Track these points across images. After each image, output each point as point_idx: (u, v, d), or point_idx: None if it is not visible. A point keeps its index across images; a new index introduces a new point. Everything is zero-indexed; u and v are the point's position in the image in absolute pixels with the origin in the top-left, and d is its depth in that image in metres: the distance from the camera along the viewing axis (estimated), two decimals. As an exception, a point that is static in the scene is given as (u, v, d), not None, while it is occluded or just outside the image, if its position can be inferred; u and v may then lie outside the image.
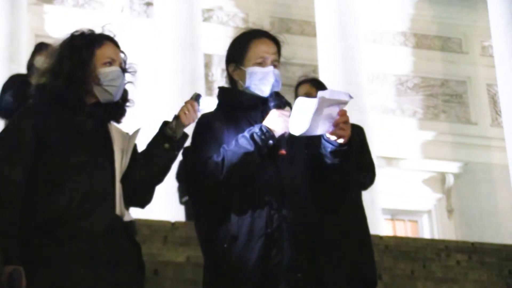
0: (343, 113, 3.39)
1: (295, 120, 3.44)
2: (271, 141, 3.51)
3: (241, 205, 3.48)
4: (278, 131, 3.53)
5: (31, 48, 7.62)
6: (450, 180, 17.85)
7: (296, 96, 6.07)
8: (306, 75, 7.37)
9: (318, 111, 3.34)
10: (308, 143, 3.58)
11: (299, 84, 6.22)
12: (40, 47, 7.08)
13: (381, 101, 17.99)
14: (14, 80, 7.42)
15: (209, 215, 3.56)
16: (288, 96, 3.81)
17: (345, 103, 3.38)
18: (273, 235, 3.43)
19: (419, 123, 18.19)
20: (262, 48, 3.72)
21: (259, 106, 3.68)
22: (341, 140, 3.43)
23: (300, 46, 16.40)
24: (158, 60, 14.75)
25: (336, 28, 15.84)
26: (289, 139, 3.54)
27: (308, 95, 5.89)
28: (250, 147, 3.48)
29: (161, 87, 14.28)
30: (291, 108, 3.67)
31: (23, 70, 7.64)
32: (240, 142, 3.50)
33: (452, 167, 17.93)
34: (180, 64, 14.36)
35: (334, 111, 3.38)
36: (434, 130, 18.09)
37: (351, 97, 3.38)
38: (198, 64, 14.79)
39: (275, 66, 3.72)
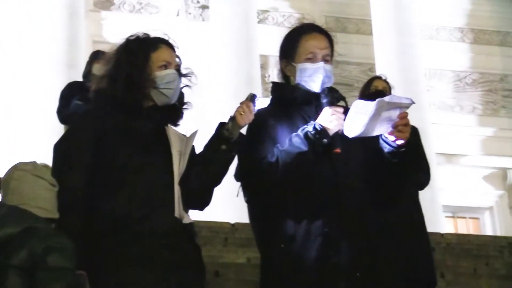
0: (403, 116, 3.36)
1: (350, 122, 3.41)
2: (325, 140, 3.46)
3: (297, 205, 3.45)
4: (332, 129, 3.48)
5: (89, 54, 7.69)
6: (512, 176, 17.61)
7: (368, 89, 6.10)
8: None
9: (375, 115, 3.31)
10: (364, 140, 3.52)
11: (375, 78, 6.26)
12: (97, 55, 7.14)
13: (439, 98, 17.80)
14: (74, 87, 7.51)
15: (266, 215, 3.55)
16: (345, 96, 3.77)
17: (406, 107, 3.36)
18: (330, 235, 3.40)
19: (478, 119, 17.96)
20: (312, 43, 3.66)
21: (312, 101, 3.62)
22: (400, 142, 3.40)
23: (356, 45, 16.31)
24: (215, 62, 14.80)
25: (392, 26, 15.74)
26: (344, 137, 3.48)
27: (384, 89, 6.00)
28: (304, 146, 3.44)
29: (217, 89, 14.31)
30: (345, 102, 3.64)
31: (81, 76, 7.70)
32: (294, 141, 3.46)
33: (513, 163, 17.68)
34: (236, 66, 14.39)
35: (394, 113, 3.35)
36: (494, 126, 17.85)
37: (413, 102, 3.34)
38: (254, 66, 14.81)
39: (326, 61, 3.65)
